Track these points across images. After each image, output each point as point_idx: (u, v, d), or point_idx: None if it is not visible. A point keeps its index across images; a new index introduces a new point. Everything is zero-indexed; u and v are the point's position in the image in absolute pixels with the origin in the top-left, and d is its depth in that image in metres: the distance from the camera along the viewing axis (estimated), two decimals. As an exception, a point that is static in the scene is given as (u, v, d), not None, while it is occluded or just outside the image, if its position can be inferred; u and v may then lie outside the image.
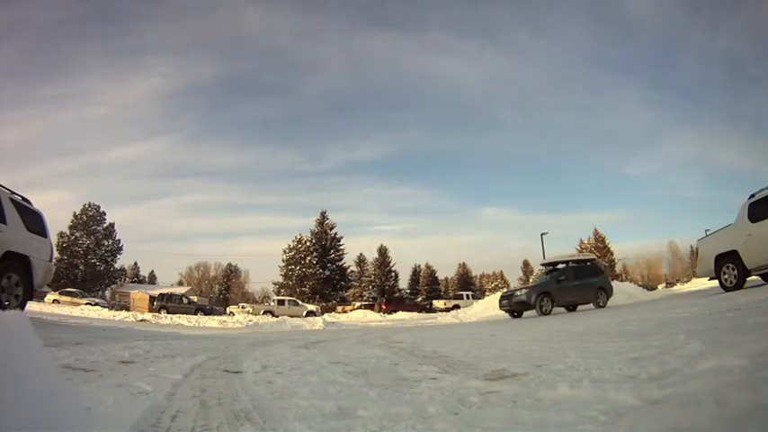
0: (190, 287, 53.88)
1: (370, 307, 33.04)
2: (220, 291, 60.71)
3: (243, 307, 31.80)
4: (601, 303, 11.84)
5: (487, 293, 37.99)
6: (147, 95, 69.99)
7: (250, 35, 70.10)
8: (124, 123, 72.41)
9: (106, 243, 43.08)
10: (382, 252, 48.02)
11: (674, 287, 33.54)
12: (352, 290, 44.60)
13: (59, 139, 70.49)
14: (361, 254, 49.31)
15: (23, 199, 6.57)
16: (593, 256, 14.70)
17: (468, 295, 37.48)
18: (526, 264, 62.79)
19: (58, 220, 40.22)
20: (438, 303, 35.44)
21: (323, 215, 44.29)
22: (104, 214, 43.63)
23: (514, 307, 12.01)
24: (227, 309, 35.22)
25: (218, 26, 69.31)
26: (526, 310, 11.87)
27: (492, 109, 73.96)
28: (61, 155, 74.95)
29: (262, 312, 25.53)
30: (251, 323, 15.18)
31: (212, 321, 15.77)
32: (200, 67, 69.30)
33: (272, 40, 69.46)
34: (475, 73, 71.12)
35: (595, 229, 54.41)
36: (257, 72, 71.57)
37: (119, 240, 44.11)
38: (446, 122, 75.85)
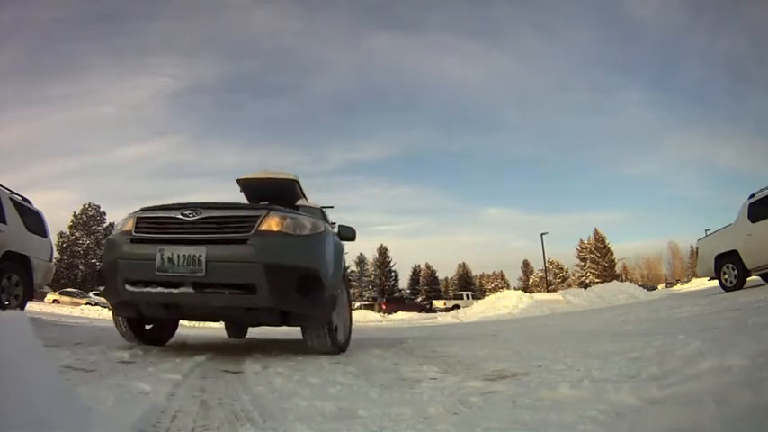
0: (190, 287, 53.78)
1: (370, 307, 33.06)
2: (220, 291, 60.67)
3: (243, 307, 31.69)
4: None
5: (487, 293, 37.99)
6: (151, 95, 70.32)
7: (256, 35, 70.25)
8: (126, 123, 72.50)
9: (106, 243, 43.12)
10: (382, 252, 48.14)
11: (675, 287, 33.56)
12: (351, 290, 44.55)
13: (60, 139, 70.89)
14: (361, 254, 49.38)
15: (23, 199, 6.56)
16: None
17: (468, 295, 37.58)
18: (526, 264, 62.92)
19: (58, 220, 40.31)
20: (438, 303, 35.48)
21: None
22: (104, 214, 43.80)
23: None
24: (227, 309, 35.10)
25: (224, 26, 69.45)
26: None
27: (495, 109, 74.13)
28: (62, 155, 75.00)
29: (262, 312, 25.49)
30: (251, 323, 15.13)
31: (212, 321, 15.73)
32: (205, 67, 69.64)
33: (278, 41, 69.69)
34: (478, 74, 71.22)
35: (596, 229, 54.54)
36: (262, 72, 71.69)
37: (119, 240, 44.12)
38: (449, 123, 75.92)
